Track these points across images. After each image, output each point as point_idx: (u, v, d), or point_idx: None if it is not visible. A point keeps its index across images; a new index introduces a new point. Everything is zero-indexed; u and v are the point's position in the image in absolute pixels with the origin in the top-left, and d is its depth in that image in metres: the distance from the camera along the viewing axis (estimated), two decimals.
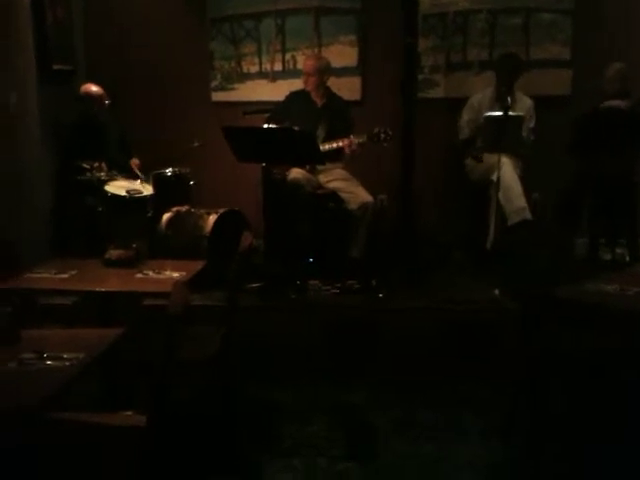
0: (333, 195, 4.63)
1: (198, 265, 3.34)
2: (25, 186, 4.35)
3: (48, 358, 2.09)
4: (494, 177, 4.46)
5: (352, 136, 4.46)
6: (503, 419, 3.22)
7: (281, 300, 4.24)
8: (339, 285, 4.43)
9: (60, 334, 2.50)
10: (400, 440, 3.14)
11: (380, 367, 3.75)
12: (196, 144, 4.83)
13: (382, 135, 4.37)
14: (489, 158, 4.62)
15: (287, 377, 3.66)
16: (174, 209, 4.64)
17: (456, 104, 5.05)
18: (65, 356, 2.11)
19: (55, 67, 4.79)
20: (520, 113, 4.58)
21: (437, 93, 5.36)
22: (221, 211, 4.56)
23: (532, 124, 4.81)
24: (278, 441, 3.16)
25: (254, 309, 3.99)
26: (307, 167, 4.61)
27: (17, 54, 4.35)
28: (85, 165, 4.40)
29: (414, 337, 3.91)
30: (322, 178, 4.69)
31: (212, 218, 4.50)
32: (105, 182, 4.43)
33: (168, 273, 3.13)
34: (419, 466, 2.95)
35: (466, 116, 4.93)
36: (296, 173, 4.57)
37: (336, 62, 5.03)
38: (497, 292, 4.22)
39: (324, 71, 4.72)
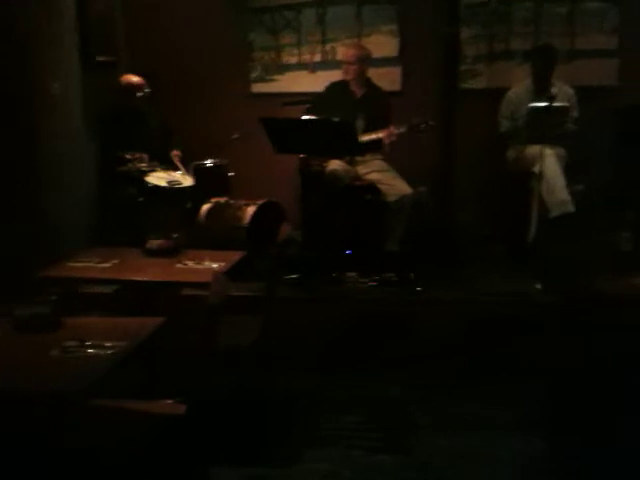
0: (371, 187, 4.60)
1: (237, 256, 3.35)
2: (67, 175, 4.42)
3: (90, 346, 2.11)
4: (536, 169, 4.37)
5: (392, 126, 4.41)
6: (539, 413, 3.18)
7: (318, 292, 4.23)
8: (377, 278, 4.39)
9: (101, 322, 2.53)
10: (435, 434, 3.13)
11: (417, 360, 3.72)
12: (235, 136, 4.83)
13: (423, 126, 4.33)
14: (531, 149, 4.54)
15: (323, 368, 3.66)
16: (213, 200, 4.66)
17: (498, 94, 4.96)
18: (107, 344, 2.13)
19: (98, 59, 4.84)
20: (565, 104, 4.49)
21: (479, 83, 5.27)
22: (259, 202, 4.57)
23: (575, 114, 4.71)
24: (313, 431, 3.17)
25: (290, 300, 3.99)
26: (346, 158, 4.58)
27: (61, 46, 4.41)
28: (127, 156, 4.44)
29: (452, 330, 3.87)
30: (361, 169, 4.66)
31: (250, 209, 4.52)
32: (146, 173, 4.47)
33: (207, 263, 3.15)
34: (453, 460, 2.94)
35: (505, 110, 4.86)
36: (335, 164, 4.55)
37: (376, 52, 4.97)
38: (538, 286, 4.14)
39: (364, 60, 4.69)
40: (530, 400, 3.36)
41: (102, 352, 2.07)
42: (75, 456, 1.98)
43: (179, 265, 3.15)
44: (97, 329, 2.34)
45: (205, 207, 4.62)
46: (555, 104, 4.27)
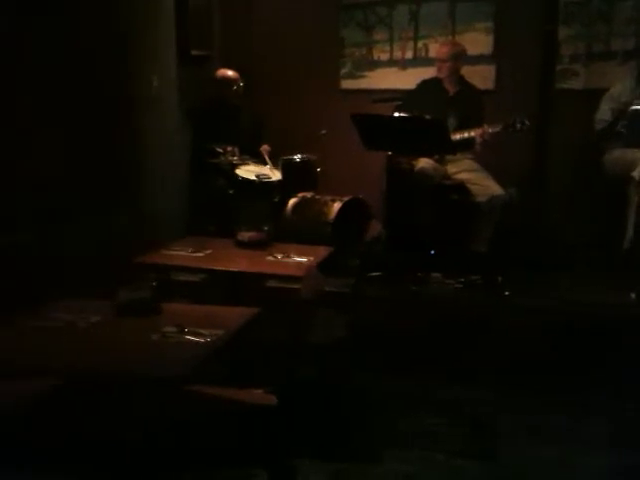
0: (459, 186, 4.52)
1: (323, 251, 3.36)
2: (163, 167, 4.54)
3: (188, 333, 2.14)
4: (635, 174, 4.20)
5: (485, 125, 4.33)
6: (630, 427, 3.06)
7: (401, 291, 4.20)
8: (462, 280, 4.32)
9: (197, 309, 2.57)
10: (516, 442, 3.05)
11: (499, 366, 3.64)
12: (323, 132, 4.85)
13: (518, 125, 4.21)
14: (630, 154, 4.36)
15: (404, 367, 3.63)
16: (300, 195, 4.70)
17: (596, 96, 4.78)
18: (203, 331, 2.16)
19: (193, 52, 4.95)
20: None
21: (576, 84, 5.11)
22: (345, 199, 4.57)
23: None
24: (394, 431, 3.15)
25: (374, 298, 3.98)
26: (435, 157, 4.52)
27: (159, 40, 4.53)
28: (218, 149, 4.53)
29: (538, 338, 3.77)
30: (450, 168, 4.59)
31: (336, 205, 4.51)
32: (237, 166, 4.55)
33: (295, 257, 3.18)
34: (539, 469, 2.87)
35: (605, 106, 4.67)
36: (424, 162, 4.49)
37: (470, 50, 4.90)
38: (633, 296, 3.98)
39: (459, 58, 4.62)
40: (621, 413, 3.24)
41: (200, 339, 2.10)
42: (167, 438, 2.03)
43: (270, 258, 3.18)
44: (193, 316, 2.37)
45: (292, 201, 4.65)
46: None
